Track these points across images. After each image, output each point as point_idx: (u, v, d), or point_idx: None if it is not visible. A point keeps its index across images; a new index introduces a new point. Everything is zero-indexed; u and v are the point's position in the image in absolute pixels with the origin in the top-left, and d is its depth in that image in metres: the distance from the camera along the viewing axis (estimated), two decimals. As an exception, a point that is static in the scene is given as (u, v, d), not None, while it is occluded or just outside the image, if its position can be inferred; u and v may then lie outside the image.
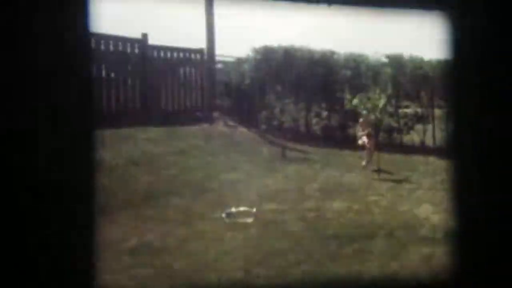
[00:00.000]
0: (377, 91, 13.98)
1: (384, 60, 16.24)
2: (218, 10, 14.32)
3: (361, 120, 12.33)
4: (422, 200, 9.72)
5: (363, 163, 11.43)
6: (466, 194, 2.40)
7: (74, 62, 1.80)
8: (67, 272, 1.80)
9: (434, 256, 7.15)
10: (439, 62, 16.01)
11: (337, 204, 9.29)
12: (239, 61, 15.44)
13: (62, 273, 1.79)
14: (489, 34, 2.37)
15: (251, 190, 9.56)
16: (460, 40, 2.37)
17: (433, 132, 14.33)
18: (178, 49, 14.34)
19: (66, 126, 1.81)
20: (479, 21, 2.36)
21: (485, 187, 2.37)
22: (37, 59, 1.78)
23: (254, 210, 8.62)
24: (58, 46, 1.79)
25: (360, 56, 15.90)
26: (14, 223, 1.76)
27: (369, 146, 11.58)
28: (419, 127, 14.35)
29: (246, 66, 14.96)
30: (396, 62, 15.89)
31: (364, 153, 11.61)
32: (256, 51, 14.89)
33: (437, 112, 15.29)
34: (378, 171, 11.12)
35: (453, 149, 2.44)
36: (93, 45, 2.01)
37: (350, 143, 12.76)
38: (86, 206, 1.80)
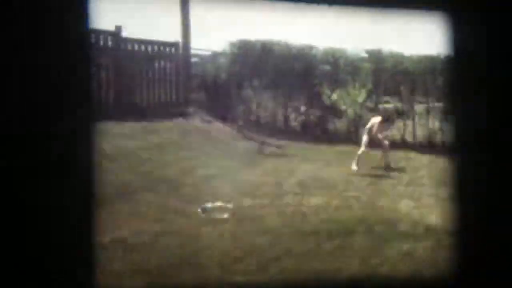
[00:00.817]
0: (357, 86, 14.09)
1: (364, 55, 16.37)
2: (193, 3, 14.27)
3: (376, 119, 12.01)
4: (402, 195, 9.81)
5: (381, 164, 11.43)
6: (466, 193, 2.50)
7: (73, 60, 1.85)
8: (67, 271, 1.83)
9: (415, 252, 7.20)
10: (419, 58, 16.20)
11: (316, 200, 9.31)
12: (215, 55, 15.41)
13: (61, 273, 1.82)
14: (489, 34, 2.40)
15: (227, 185, 9.55)
16: (460, 39, 2.42)
17: (413, 128, 14.55)
18: (152, 42, 14.24)
19: (66, 123, 1.83)
20: (479, 21, 2.40)
21: (486, 186, 2.45)
22: (37, 59, 1.82)
23: (231, 205, 8.61)
24: (58, 44, 1.83)
25: (338, 51, 15.99)
26: (14, 223, 1.79)
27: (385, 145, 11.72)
28: (399, 122, 14.40)
29: (222, 60, 14.93)
30: (376, 57, 16.02)
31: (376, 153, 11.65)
32: (233, 44, 14.87)
33: (417, 107, 15.46)
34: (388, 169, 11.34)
35: (453, 148, 2.52)
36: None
37: (329, 138, 12.83)
38: (85, 204, 1.84)
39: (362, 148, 11.50)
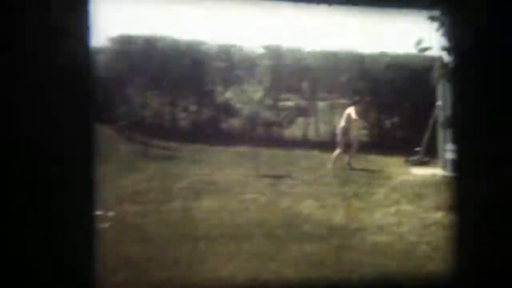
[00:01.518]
0: (253, 83, 14.15)
1: (262, 51, 16.50)
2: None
3: (351, 109, 12.84)
4: (304, 195, 9.93)
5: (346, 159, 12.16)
6: (467, 193, 2.55)
7: (73, 61, 2.01)
8: (67, 272, 2.00)
9: (317, 253, 7.22)
10: (322, 54, 16.55)
11: (208, 203, 9.19)
12: (94, 51, 14.98)
13: (62, 273, 1.99)
14: (489, 34, 2.51)
15: (107, 192, 9.19)
16: (461, 39, 2.55)
17: (316, 125, 14.77)
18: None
19: (66, 124, 2.00)
20: (479, 21, 2.50)
21: (486, 187, 2.53)
22: (37, 59, 1.97)
23: (112, 213, 8.28)
24: (58, 45, 1.98)
25: (233, 47, 16.02)
26: (14, 223, 1.92)
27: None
28: (301, 120, 14.86)
29: (101, 57, 14.52)
30: (274, 53, 16.19)
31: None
32: (112, 40, 14.52)
33: (320, 104, 15.76)
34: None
35: (454, 148, 2.66)
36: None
37: (222, 138, 12.77)
38: (85, 204, 2.05)
39: (338, 150, 12.35)
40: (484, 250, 2.51)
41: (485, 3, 2.49)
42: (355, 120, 12.85)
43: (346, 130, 12.84)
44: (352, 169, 12.29)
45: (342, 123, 13.00)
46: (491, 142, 2.52)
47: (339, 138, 12.76)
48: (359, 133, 13.16)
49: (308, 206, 9.34)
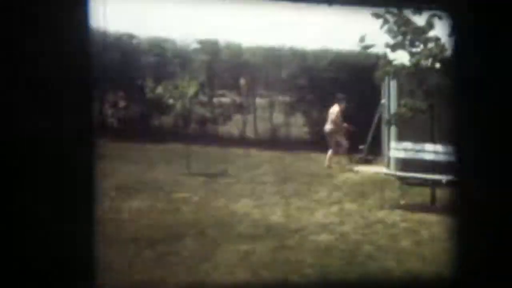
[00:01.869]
0: (187, 78, 13.98)
1: (196, 45, 16.37)
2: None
3: (334, 109, 13.09)
4: (240, 194, 9.85)
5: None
6: (467, 194, 2.65)
7: (74, 62, 2.07)
8: (67, 271, 2.05)
9: (254, 253, 7.11)
10: (260, 49, 16.52)
11: (137, 204, 8.96)
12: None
13: (62, 272, 2.05)
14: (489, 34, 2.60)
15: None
16: (461, 39, 2.62)
17: (254, 123, 14.75)
18: None
19: (66, 126, 2.04)
20: (479, 21, 2.60)
21: (486, 185, 2.62)
22: (37, 60, 2.03)
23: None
24: (59, 46, 2.05)
25: (166, 41, 15.83)
26: (14, 224, 2.00)
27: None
28: (238, 117, 14.89)
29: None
30: (210, 48, 16.07)
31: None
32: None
33: (259, 101, 15.74)
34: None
35: (453, 149, 2.68)
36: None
37: (153, 135, 12.62)
38: (85, 206, 2.07)
39: (330, 150, 12.75)
40: (483, 253, 2.63)
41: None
42: (336, 120, 13.12)
43: (332, 131, 12.99)
44: (329, 168, 12.50)
45: (327, 124, 13.25)
46: (491, 143, 2.62)
47: (328, 139, 13.04)
48: (343, 132, 13.29)
49: (244, 205, 9.25)
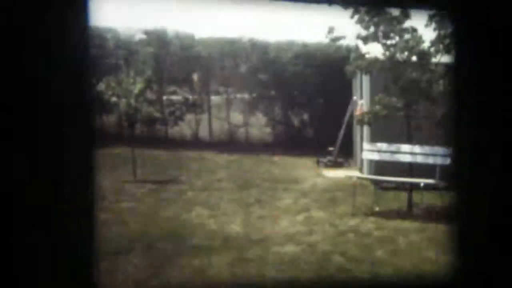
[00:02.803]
0: (132, 73, 13.95)
1: (142, 36, 16.34)
2: None
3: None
4: (194, 203, 9.89)
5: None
6: (467, 196, 2.79)
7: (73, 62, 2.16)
8: (67, 272, 2.15)
9: (209, 268, 7.14)
10: (217, 41, 16.56)
11: (74, 215, 8.90)
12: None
13: (62, 274, 2.14)
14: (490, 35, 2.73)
15: None
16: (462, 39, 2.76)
17: (209, 123, 14.76)
18: None
19: (66, 125, 2.16)
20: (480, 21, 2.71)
21: (486, 187, 2.76)
22: (37, 60, 2.13)
23: None
24: (57, 45, 2.13)
25: (107, 30, 15.75)
26: (13, 224, 2.10)
27: None
28: (190, 117, 14.93)
29: None
30: (158, 39, 16.04)
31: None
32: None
33: (214, 99, 15.77)
34: None
35: (452, 150, 2.82)
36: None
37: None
38: (85, 206, 2.18)
39: None
40: (483, 257, 2.77)
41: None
42: None
43: None
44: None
45: None
46: (490, 144, 2.78)
47: None
48: None
49: (198, 215, 9.29)
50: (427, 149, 9.97)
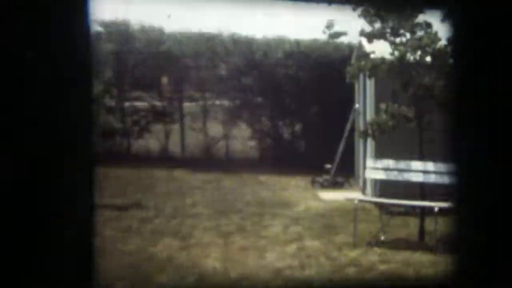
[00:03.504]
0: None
1: (100, 29, 16.21)
2: None
3: None
4: (161, 233, 9.86)
5: None
6: (467, 200, 2.97)
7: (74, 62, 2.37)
8: (66, 272, 2.36)
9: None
10: (190, 36, 16.52)
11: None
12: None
13: (61, 274, 2.35)
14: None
15: None
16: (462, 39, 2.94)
17: (182, 135, 14.74)
18: None
19: (66, 124, 2.39)
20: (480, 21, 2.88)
21: (486, 192, 2.92)
22: (37, 60, 2.33)
23: None
24: (58, 46, 2.34)
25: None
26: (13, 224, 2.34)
27: None
28: (158, 127, 14.95)
29: None
30: (120, 34, 15.99)
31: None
32: None
33: (188, 106, 15.75)
34: None
35: (452, 153, 3.00)
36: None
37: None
38: (85, 205, 2.48)
39: None
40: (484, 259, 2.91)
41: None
42: None
43: None
44: None
45: None
46: (492, 149, 2.93)
47: None
48: None
49: (166, 247, 9.23)
50: (442, 167, 9.89)
